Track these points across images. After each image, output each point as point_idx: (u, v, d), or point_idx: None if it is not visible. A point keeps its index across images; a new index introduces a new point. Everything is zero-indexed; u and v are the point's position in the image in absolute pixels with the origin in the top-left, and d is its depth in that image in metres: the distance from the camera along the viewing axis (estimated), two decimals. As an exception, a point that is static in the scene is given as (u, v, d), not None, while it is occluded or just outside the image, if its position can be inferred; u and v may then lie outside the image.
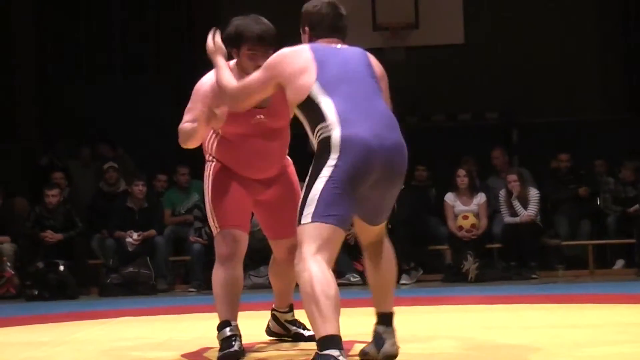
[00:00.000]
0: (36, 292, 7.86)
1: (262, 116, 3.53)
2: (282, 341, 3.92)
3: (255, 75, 3.25)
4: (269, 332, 3.98)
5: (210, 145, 3.63)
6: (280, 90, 3.22)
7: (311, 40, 3.28)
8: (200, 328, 4.58)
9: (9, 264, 8.21)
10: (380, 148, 3.04)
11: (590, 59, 10.43)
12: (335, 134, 3.01)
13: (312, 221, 2.98)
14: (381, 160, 3.05)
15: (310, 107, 3.09)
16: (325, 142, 3.03)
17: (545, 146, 9.43)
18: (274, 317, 3.95)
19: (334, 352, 2.80)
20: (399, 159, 3.13)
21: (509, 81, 10.21)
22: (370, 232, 3.26)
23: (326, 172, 3.00)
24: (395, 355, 3.28)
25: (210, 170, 3.63)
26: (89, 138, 10.02)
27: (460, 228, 8.27)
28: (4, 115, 10.45)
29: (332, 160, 3.01)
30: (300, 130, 3.33)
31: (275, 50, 3.30)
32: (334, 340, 2.82)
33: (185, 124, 3.52)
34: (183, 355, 3.70)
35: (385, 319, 3.29)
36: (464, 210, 8.35)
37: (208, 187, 3.61)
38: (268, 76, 3.20)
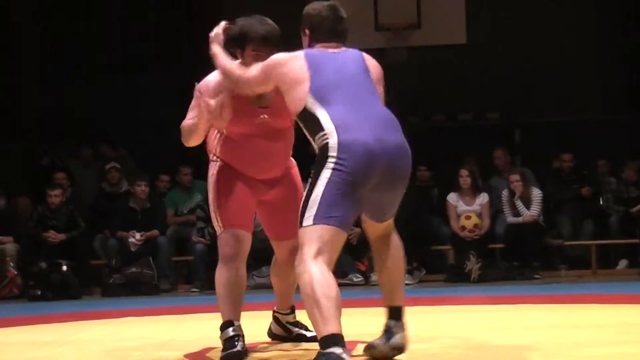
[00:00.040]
0: (39, 292, 7.87)
1: (265, 116, 3.54)
2: (284, 341, 3.92)
3: (254, 73, 3.30)
4: (271, 334, 3.98)
5: (215, 145, 3.64)
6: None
7: (311, 42, 3.30)
8: (203, 328, 4.58)
9: (11, 264, 8.21)
10: (381, 152, 3.05)
11: (591, 59, 10.42)
12: (333, 141, 3.04)
13: (314, 223, 3.00)
14: (383, 164, 3.06)
15: (308, 117, 3.13)
16: (325, 148, 3.06)
17: (547, 146, 9.42)
18: (275, 319, 3.95)
19: (337, 350, 2.80)
20: (401, 163, 3.13)
21: (511, 81, 10.21)
22: (378, 227, 3.28)
23: (327, 174, 3.02)
24: (404, 348, 3.28)
25: (214, 170, 3.63)
26: (89, 138, 10.02)
27: (463, 228, 8.27)
28: (4, 115, 10.45)
29: (332, 164, 3.02)
30: (303, 133, 3.34)
31: (279, 51, 3.32)
32: (336, 339, 2.83)
33: (187, 121, 3.54)
34: (186, 356, 3.70)
35: (395, 313, 3.30)
36: (467, 210, 8.35)
37: (212, 186, 3.62)
38: (265, 78, 3.26)
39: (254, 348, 3.74)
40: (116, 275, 8.15)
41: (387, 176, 3.09)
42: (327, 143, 3.05)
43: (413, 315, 4.48)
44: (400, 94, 8.90)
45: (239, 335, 3.52)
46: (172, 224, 8.69)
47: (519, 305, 5.42)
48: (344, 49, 3.29)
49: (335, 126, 3.06)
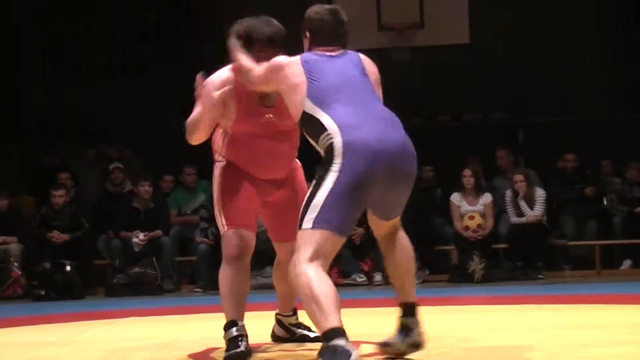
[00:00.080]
0: (43, 293, 7.88)
1: (271, 115, 3.54)
2: (288, 342, 3.92)
3: (259, 71, 3.34)
4: (274, 336, 3.98)
5: (220, 146, 3.64)
6: None
7: (311, 45, 3.34)
8: (206, 328, 4.59)
9: (15, 264, 8.23)
10: (385, 150, 3.06)
11: (591, 59, 10.41)
12: (338, 141, 3.05)
13: (313, 227, 3.01)
14: (388, 163, 3.06)
15: (309, 120, 3.15)
16: (330, 149, 3.07)
17: (551, 146, 9.42)
18: (278, 321, 3.96)
19: (340, 342, 2.81)
20: (405, 161, 3.13)
21: (515, 81, 10.21)
22: (384, 225, 3.29)
23: (331, 178, 3.03)
24: (421, 345, 3.28)
25: (219, 170, 3.64)
26: (90, 138, 10.03)
27: (467, 228, 8.26)
28: (4, 115, 10.46)
29: (336, 167, 3.03)
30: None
31: (285, 53, 3.33)
32: (338, 332, 2.83)
33: (192, 115, 3.54)
34: (189, 356, 3.70)
35: (408, 310, 3.30)
36: (470, 210, 8.35)
37: (217, 186, 3.62)
38: (266, 79, 3.31)
39: (258, 348, 3.74)
40: (120, 275, 8.16)
41: (393, 174, 3.10)
42: (332, 143, 3.06)
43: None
44: (403, 93, 8.90)
45: (243, 335, 3.52)
46: (175, 224, 8.70)
47: (522, 306, 5.42)
48: (342, 51, 3.32)
49: (338, 126, 3.08)
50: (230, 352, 3.47)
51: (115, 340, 4.36)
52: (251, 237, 3.58)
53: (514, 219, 8.37)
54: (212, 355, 3.70)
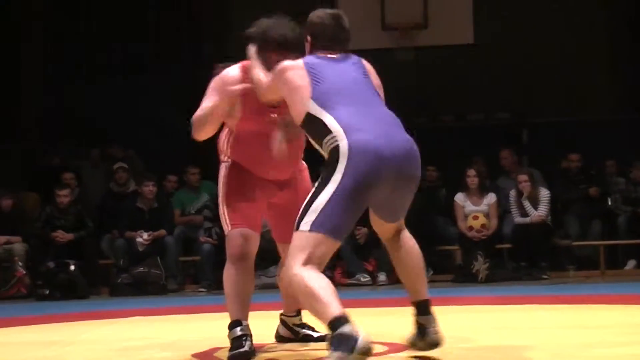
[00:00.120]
0: (47, 292, 7.90)
1: (275, 115, 3.55)
2: (292, 342, 3.92)
3: (267, 83, 3.36)
4: (278, 337, 3.99)
5: (225, 146, 3.65)
6: None
7: (313, 49, 3.34)
8: (210, 328, 4.59)
9: (20, 263, 8.24)
10: (389, 151, 3.05)
11: (598, 60, 10.40)
12: (344, 143, 3.04)
13: (310, 230, 3.01)
14: (392, 164, 3.06)
15: (313, 122, 3.15)
16: (335, 151, 3.06)
17: (555, 146, 9.41)
18: (282, 322, 3.97)
19: (346, 328, 2.80)
20: (409, 162, 3.12)
21: (519, 81, 10.20)
22: (388, 227, 3.29)
23: (334, 181, 3.02)
24: (440, 343, 3.29)
25: (225, 170, 3.65)
26: (90, 138, 10.04)
27: (471, 228, 8.26)
28: (4, 115, 10.46)
29: (340, 169, 3.02)
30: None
31: (300, 55, 3.34)
32: (342, 319, 2.82)
33: (202, 109, 3.53)
34: (193, 355, 3.71)
35: (422, 308, 3.30)
36: (474, 210, 8.34)
37: (222, 186, 3.63)
38: (275, 86, 3.31)
39: (262, 348, 3.74)
40: (124, 275, 8.17)
41: (397, 178, 3.09)
42: (338, 146, 3.05)
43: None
44: (407, 93, 8.90)
45: (247, 335, 3.52)
46: (179, 224, 8.70)
47: (526, 306, 5.42)
48: (344, 54, 3.33)
49: (343, 128, 3.07)
50: (234, 352, 3.47)
51: (119, 340, 4.37)
52: (255, 238, 3.58)
53: (518, 219, 8.37)
54: (216, 354, 3.71)
